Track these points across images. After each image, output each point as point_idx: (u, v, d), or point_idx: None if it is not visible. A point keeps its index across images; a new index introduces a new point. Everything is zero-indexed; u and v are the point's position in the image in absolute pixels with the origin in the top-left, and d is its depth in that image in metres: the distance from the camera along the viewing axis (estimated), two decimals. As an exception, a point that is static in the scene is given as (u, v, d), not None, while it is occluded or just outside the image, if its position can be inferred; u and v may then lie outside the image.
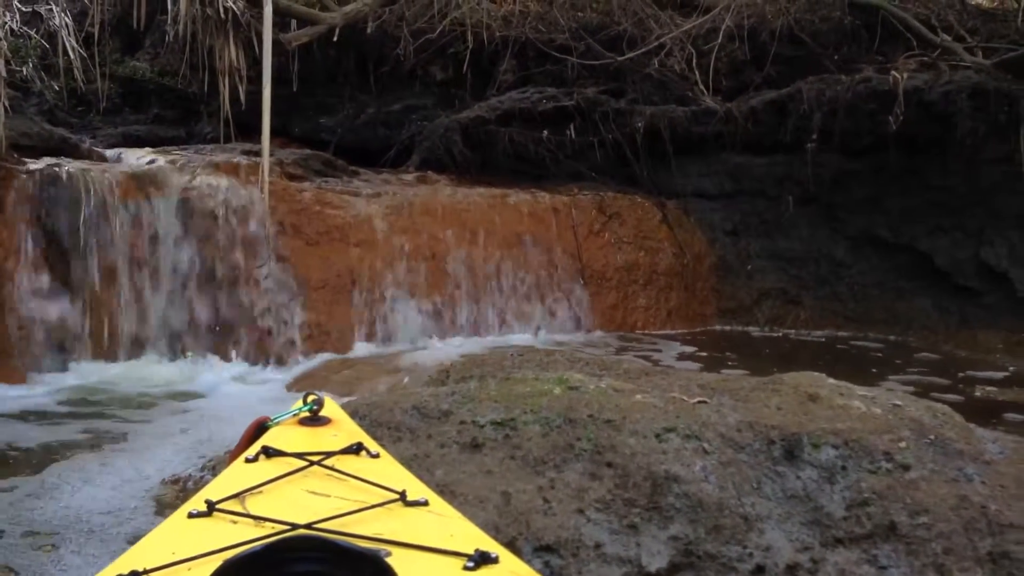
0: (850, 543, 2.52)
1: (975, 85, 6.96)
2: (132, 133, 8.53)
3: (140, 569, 1.28)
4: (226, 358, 5.68)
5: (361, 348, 6.10)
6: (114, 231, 5.56)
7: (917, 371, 6.01)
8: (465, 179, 7.77)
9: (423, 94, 8.59)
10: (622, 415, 2.81)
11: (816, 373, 3.25)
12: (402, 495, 1.62)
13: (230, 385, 5.32)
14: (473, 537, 1.50)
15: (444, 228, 6.72)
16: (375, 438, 2.08)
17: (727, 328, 7.68)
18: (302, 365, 5.78)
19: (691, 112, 7.73)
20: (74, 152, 6.42)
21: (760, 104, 7.64)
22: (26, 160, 5.68)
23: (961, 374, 5.90)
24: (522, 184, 7.74)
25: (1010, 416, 4.83)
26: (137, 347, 5.56)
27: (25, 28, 7.89)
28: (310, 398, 2.10)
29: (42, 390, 5.01)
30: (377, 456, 1.88)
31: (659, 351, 6.56)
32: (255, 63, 7.22)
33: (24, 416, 4.51)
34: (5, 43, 6.22)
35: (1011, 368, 6.13)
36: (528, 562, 1.65)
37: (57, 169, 5.57)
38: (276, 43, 6.87)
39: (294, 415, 2.07)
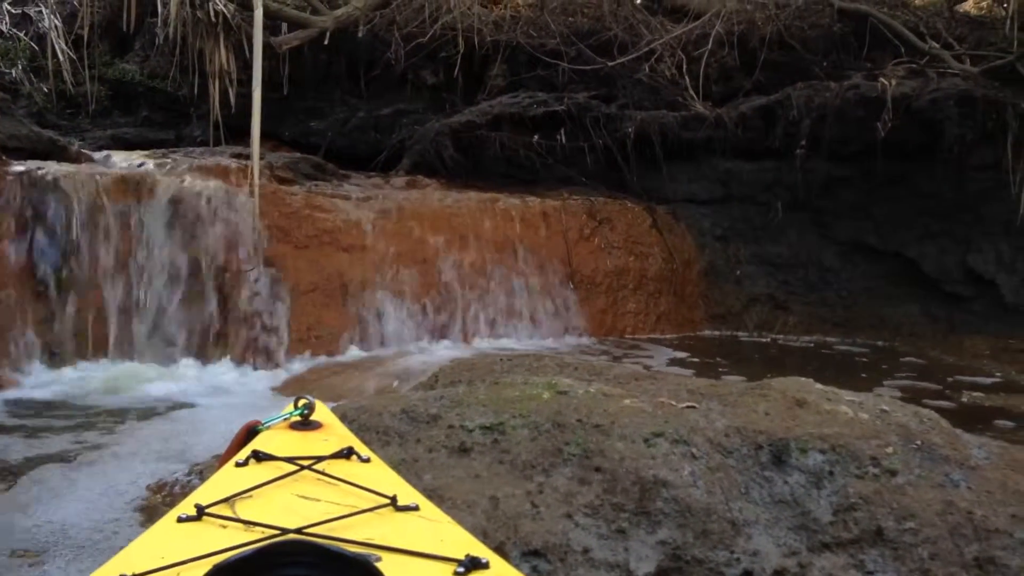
0: (837, 548, 2.53)
1: (963, 92, 7.01)
2: (121, 136, 8.51)
3: (129, 573, 1.28)
4: (215, 362, 5.67)
5: (351, 352, 6.10)
6: (102, 234, 5.55)
7: (904, 377, 6.04)
8: (455, 183, 7.78)
9: (414, 98, 8.60)
10: (611, 420, 2.82)
11: (804, 378, 3.26)
12: (393, 500, 1.63)
13: (219, 389, 5.30)
14: (464, 542, 1.50)
15: (434, 232, 6.72)
16: (364, 442, 2.08)
17: (716, 333, 7.71)
18: (291, 369, 5.77)
19: (681, 118, 7.76)
20: (63, 155, 6.40)
21: (750, 110, 7.67)
22: (14, 162, 5.66)
23: (948, 380, 5.93)
24: (512, 189, 7.75)
25: (996, 422, 4.86)
26: (125, 351, 5.54)
27: (14, 30, 7.88)
28: (301, 402, 2.10)
29: (27, 394, 4.98)
30: (368, 461, 1.88)
31: (648, 356, 6.57)
32: (245, 66, 7.22)
33: (8, 421, 4.48)
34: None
35: (998, 374, 6.16)
36: (516, 567, 1.66)
37: (45, 172, 5.55)
38: (267, 47, 6.87)
39: (285, 419, 2.06)
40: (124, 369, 5.42)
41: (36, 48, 8.13)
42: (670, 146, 7.85)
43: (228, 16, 7.47)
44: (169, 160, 6.46)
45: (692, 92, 7.79)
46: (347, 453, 1.88)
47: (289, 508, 1.60)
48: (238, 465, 1.82)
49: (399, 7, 8.23)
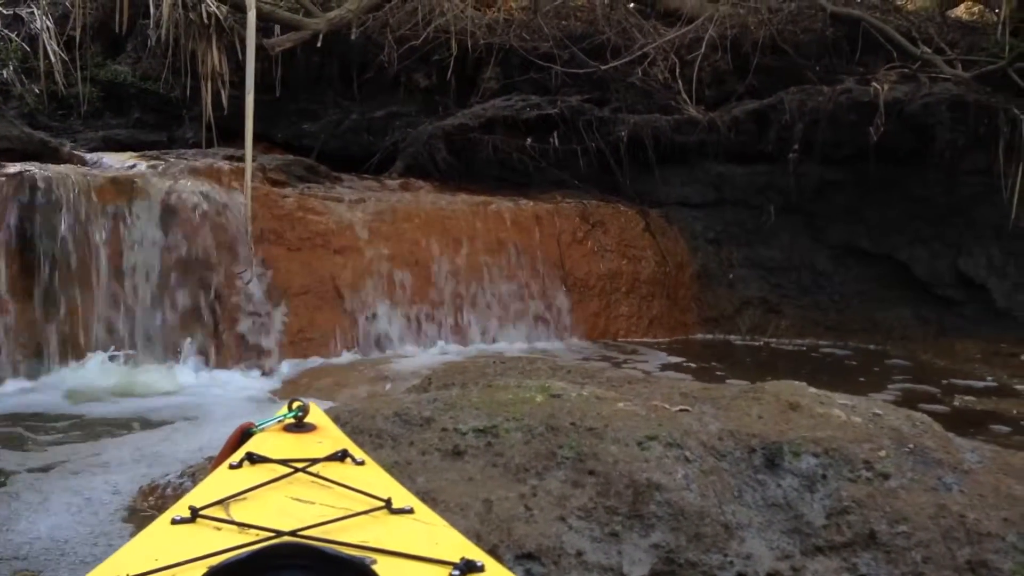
0: (830, 551, 2.54)
1: (954, 97, 7.04)
2: (113, 137, 8.47)
3: (123, 575, 1.28)
4: (207, 364, 5.66)
5: (344, 355, 6.10)
6: (94, 236, 5.53)
7: (897, 380, 6.05)
8: (448, 186, 7.78)
9: (407, 101, 8.59)
10: (604, 423, 2.82)
11: (797, 382, 3.27)
12: (387, 503, 1.62)
13: (212, 391, 5.29)
14: (459, 545, 1.50)
15: (427, 235, 6.72)
16: (357, 445, 2.08)
17: (709, 337, 7.72)
18: (284, 372, 5.76)
19: (674, 121, 7.76)
20: (54, 156, 6.38)
21: (742, 114, 7.69)
22: (5, 163, 5.64)
23: (940, 384, 5.95)
24: (505, 192, 7.75)
25: (988, 426, 4.88)
26: (117, 352, 5.52)
27: (6, 31, 7.86)
28: (295, 404, 2.09)
29: (18, 397, 4.96)
30: (362, 463, 1.88)
31: (641, 359, 6.58)
32: (238, 68, 7.20)
33: (-2, 423, 4.47)
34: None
35: (989, 377, 6.19)
36: (510, 570, 1.65)
37: (37, 173, 5.53)
38: (259, 48, 6.85)
39: (279, 421, 2.06)
40: (115, 372, 5.40)
41: (28, 49, 8.10)
42: (663, 150, 7.86)
43: (221, 18, 7.46)
44: (161, 162, 6.44)
45: (685, 96, 7.80)
46: (341, 456, 1.88)
47: (283, 510, 1.59)
48: (232, 467, 1.82)
49: (392, 10, 8.22)
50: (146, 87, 8.59)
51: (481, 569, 1.38)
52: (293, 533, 1.44)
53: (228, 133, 7.57)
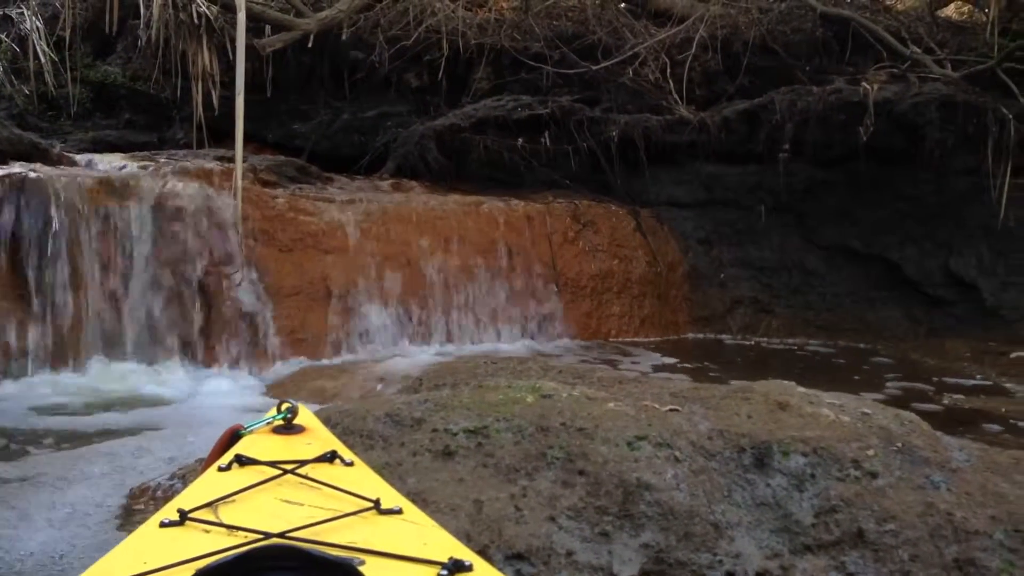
0: (818, 550, 2.55)
1: (944, 97, 7.08)
2: (103, 138, 8.45)
3: (111, 579, 1.28)
4: (198, 365, 5.65)
5: (335, 356, 6.09)
6: (84, 237, 5.52)
7: (886, 379, 6.07)
8: (440, 186, 7.78)
9: (398, 101, 8.59)
10: (594, 423, 2.83)
11: (786, 382, 3.28)
12: (376, 503, 1.63)
13: (202, 393, 5.27)
14: (447, 545, 1.50)
15: (418, 235, 6.72)
16: (348, 446, 2.08)
17: (700, 336, 7.74)
18: (275, 373, 5.75)
19: (665, 121, 7.78)
20: (44, 157, 6.35)
21: (733, 114, 7.71)
22: (-5, 165, 5.63)
23: (929, 382, 5.97)
24: (497, 192, 7.75)
25: (977, 424, 4.90)
26: (107, 355, 5.51)
27: (-5, 32, 7.83)
28: (284, 406, 2.10)
29: (8, 399, 4.94)
30: (351, 464, 1.89)
31: (632, 359, 6.59)
32: (229, 68, 7.19)
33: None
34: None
35: (978, 376, 6.21)
36: (500, 570, 1.66)
37: (27, 174, 5.52)
38: (250, 49, 6.85)
39: (268, 423, 2.06)
40: (106, 373, 5.39)
41: (17, 50, 8.07)
42: (654, 150, 7.87)
43: (211, 18, 7.44)
44: (152, 163, 6.42)
45: (676, 96, 7.82)
46: (330, 457, 1.88)
47: (272, 512, 1.59)
48: (221, 470, 1.82)
49: (383, 10, 8.22)
50: (136, 88, 8.57)
51: (469, 569, 1.38)
52: (282, 535, 1.44)
53: (219, 134, 7.56)
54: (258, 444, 1.96)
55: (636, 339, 7.39)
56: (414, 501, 1.96)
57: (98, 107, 8.79)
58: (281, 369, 5.80)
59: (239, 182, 5.93)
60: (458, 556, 1.41)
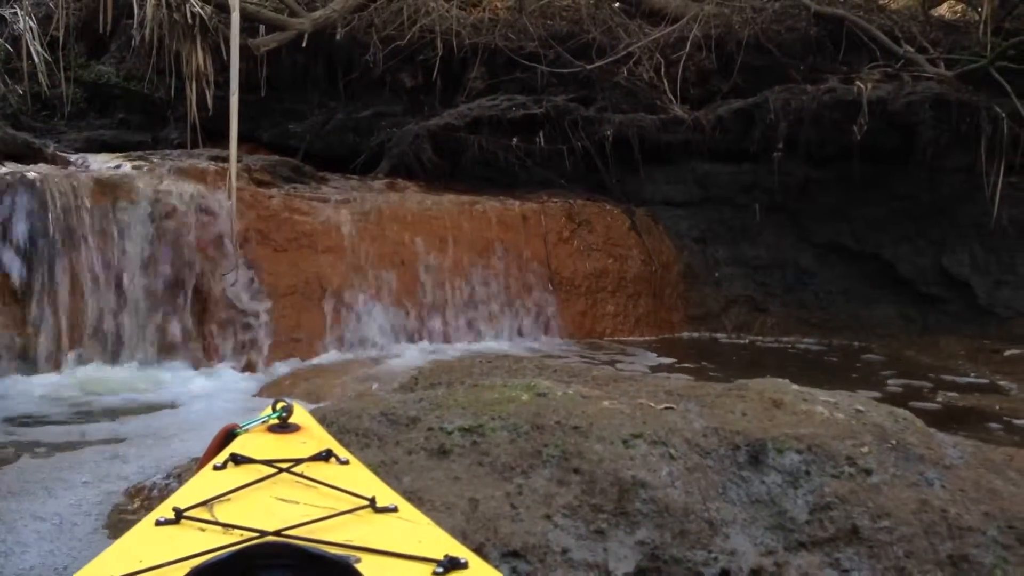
0: (813, 547, 2.56)
1: (937, 96, 7.09)
2: (97, 138, 8.44)
3: (107, 577, 1.28)
4: (194, 365, 5.64)
5: (330, 355, 6.09)
6: (79, 237, 5.51)
7: (881, 377, 6.09)
8: (434, 186, 7.78)
9: (392, 101, 8.59)
10: (589, 421, 2.83)
11: (781, 379, 3.29)
12: (371, 501, 1.63)
13: (197, 393, 5.26)
14: (443, 543, 1.50)
15: (413, 235, 6.72)
16: (343, 445, 2.08)
17: (695, 335, 7.75)
18: (270, 372, 5.75)
19: (659, 120, 7.79)
20: (38, 157, 6.34)
21: (727, 113, 7.72)
22: (-11, 165, 5.62)
23: (923, 380, 5.99)
24: (491, 191, 7.76)
25: (971, 422, 4.91)
26: (102, 355, 5.51)
27: (-11, 32, 7.81)
28: (279, 405, 2.10)
29: (4, 398, 4.93)
30: (347, 463, 1.89)
31: (627, 358, 6.60)
32: (223, 68, 7.18)
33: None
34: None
35: (972, 374, 6.23)
36: (496, 568, 1.66)
37: (21, 174, 5.51)
38: (244, 49, 6.85)
39: (263, 422, 2.06)
40: (101, 373, 5.38)
41: (11, 50, 8.06)
42: (648, 149, 7.89)
43: (205, 18, 7.44)
44: (146, 162, 6.42)
45: (670, 95, 7.83)
46: (326, 456, 1.88)
47: (268, 511, 1.60)
48: (216, 468, 1.82)
49: (377, 10, 8.22)
50: (130, 88, 8.56)
51: (465, 566, 1.38)
52: (277, 533, 1.44)
53: (213, 133, 7.55)
54: (253, 443, 1.96)
55: (631, 338, 7.40)
56: (410, 500, 1.96)
57: (92, 107, 8.78)
58: (276, 369, 5.80)
59: (234, 182, 5.92)
60: (454, 553, 1.41)
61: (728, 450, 2.77)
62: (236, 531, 1.48)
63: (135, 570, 1.31)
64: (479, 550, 2.33)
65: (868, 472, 2.68)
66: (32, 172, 5.62)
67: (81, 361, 5.43)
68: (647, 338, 7.45)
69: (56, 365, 5.35)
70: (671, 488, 2.62)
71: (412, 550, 1.44)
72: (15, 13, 7.87)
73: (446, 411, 2.94)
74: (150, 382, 5.38)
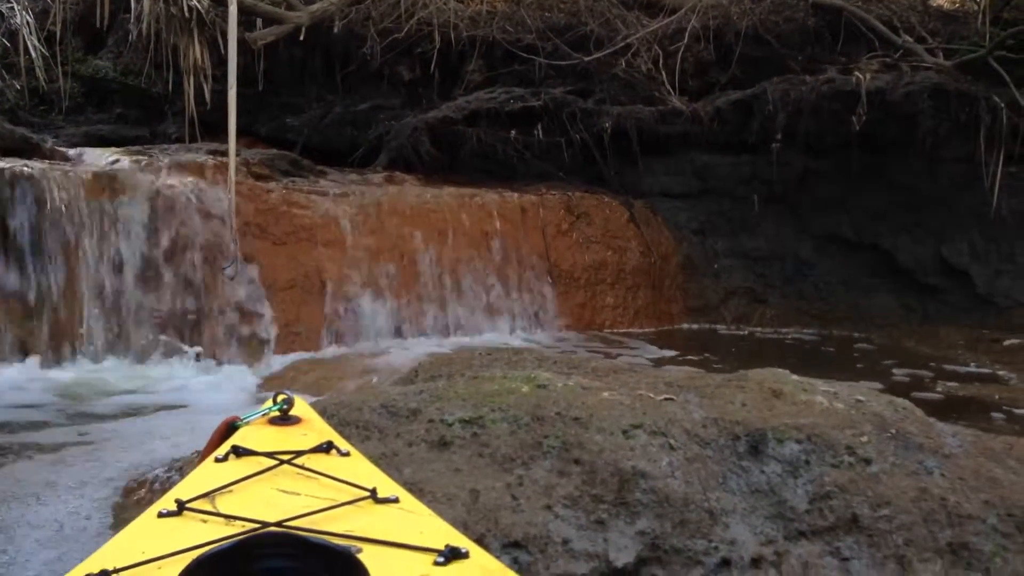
0: (813, 536, 2.56)
1: (936, 86, 7.09)
2: (95, 133, 8.43)
3: (110, 568, 1.28)
4: (193, 359, 5.64)
5: (330, 348, 6.09)
6: (78, 231, 5.51)
7: (880, 367, 6.10)
8: (433, 179, 7.77)
9: (390, 94, 8.58)
10: (589, 412, 2.83)
11: (780, 370, 3.29)
12: (372, 492, 1.63)
13: (197, 386, 5.28)
14: (443, 533, 1.51)
15: (412, 228, 6.72)
16: (344, 437, 2.09)
17: (694, 327, 7.75)
18: (271, 366, 5.76)
19: (658, 112, 7.79)
20: (36, 152, 6.34)
21: (726, 104, 7.72)
22: (-13, 160, 5.61)
23: (923, 370, 6.00)
24: (490, 184, 7.75)
25: (971, 411, 4.92)
26: (102, 349, 5.51)
27: (-14, 27, 7.80)
28: (280, 397, 2.10)
29: (2, 395, 4.94)
30: (347, 455, 1.89)
31: (627, 349, 6.60)
32: (220, 62, 7.17)
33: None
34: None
35: (972, 364, 6.24)
36: (497, 558, 1.66)
37: (20, 169, 5.51)
38: (241, 42, 6.83)
39: (264, 415, 2.06)
40: (102, 367, 5.39)
41: (8, 45, 8.05)
42: (647, 141, 7.88)
43: (202, 11, 7.43)
44: (145, 157, 6.41)
45: (668, 87, 7.83)
46: (326, 447, 1.88)
47: (269, 502, 1.60)
48: (218, 461, 1.82)
49: (374, 2, 8.21)
50: (128, 82, 8.54)
51: (466, 556, 1.39)
52: (279, 524, 1.44)
53: (211, 128, 7.54)
54: (254, 435, 1.96)
55: (630, 330, 7.40)
56: (411, 491, 1.96)
57: (90, 102, 8.77)
58: (276, 362, 5.80)
59: (232, 176, 5.92)
60: (454, 543, 1.42)
61: (728, 440, 2.77)
62: (238, 522, 1.49)
63: (138, 561, 1.31)
64: (480, 541, 2.34)
65: (868, 461, 2.69)
66: (30, 167, 5.61)
67: (80, 357, 5.43)
68: (646, 330, 7.46)
69: (55, 360, 5.35)
70: (671, 478, 2.63)
71: (413, 540, 1.44)
72: (12, 8, 7.85)
73: (446, 403, 2.95)
74: (149, 377, 5.38)
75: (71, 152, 6.76)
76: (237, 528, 1.46)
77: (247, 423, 2.04)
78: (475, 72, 8.36)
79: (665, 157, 8.12)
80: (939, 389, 5.50)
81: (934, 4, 8.84)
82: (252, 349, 5.82)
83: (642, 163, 8.02)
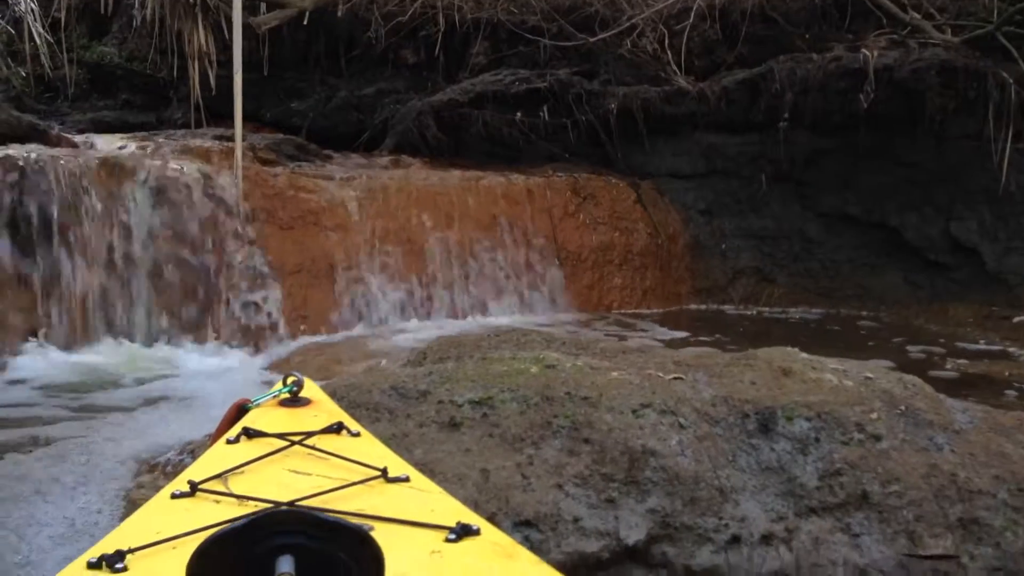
0: (823, 512, 2.57)
1: (944, 62, 7.03)
2: (101, 119, 8.45)
3: (125, 548, 1.29)
4: (202, 344, 5.66)
5: (338, 332, 6.10)
6: (86, 217, 5.52)
7: (889, 346, 6.09)
8: (439, 162, 7.77)
9: (395, 77, 8.56)
10: (599, 392, 2.84)
11: (789, 348, 3.29)
12: (383, 472, 1.64)
13: (207, 371, 5.29)
14: (454, 510, 1.52)
15: (419, 211, 6.71)
16: (354, 419, 2.09)
17: (702, 307, 7.74)
18: (280, 350, 5.77)
19: (664, 92, 7.75)
20: (43, 139, 6.35)
21: (732, 84, 7.67)
22: (-6, 147, 5.63)
23: (933, 348, 5.99)
24: (496, 166, 7.74)
25: (981, 388, 4.91)
26: (112, 334, 5.53)
27: (-10, 14, 7.80)
28: (290, 379, 2.11)
29: (12, 380, 4.96)
30: (358, 435, 1.90)
31: (635, 330, 6.60)
32: (225, 47, 7.17)
33: (-4, 405, 4.47)
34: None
35: (981, 341, 6.22)
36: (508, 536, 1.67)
37: (28, 156, 5.51)
38: (245, 27, 6.81)
39: (274, 397, 2.07)
40: (110, 353, 5.40)
41: (13, 32, 8.05)
42: (653, 121, 7.85)
43: (206, -4, 7.42)
44: (151, 143, 6.42)
45: (674, 67, 7.78)
46: (337, 428, 1.89)
47: (281, 482, 1.61)
48: (229, 442, 1.84)
49: (378, -15, 8.18)
50: (133, 68, 8.55)
51: (477, 532, 1.40)
52: (291, 504, 1.45)
53: (216, 113, 7.55)
54: (265, 417, 1.97)
55: (638, 311, 7.40)
56: (421, 471, 1.97)
57: (95, 88, 8.78)
58: (285, 346, 5.81)
59: (239, 161, 5.93)
60: (465, 520, 1.42)
61: (737, 418, 2.78)
62: (250, 502, 1.50)
63: (152, 541, 1.32)
64: (491, 519, 2.35)
65: (877, 438, 2.69)
66: (38, 154, 5.62)
67: (90, 342, 5.45)
68: (654, 311, 7.45)
69: (64, 346, 5.36)
70: (681, 457, 2.63)
71: (425, 518, 1.45)
72: (16, -5, 7.86)
73: (456, 384, 2.95)
74: (158, 362, 5.40)
75: (78, 139, 6.77)
76: (250, 508, 1.47)
77: (258, 405, 2.05)
78: (480, 55, 8.33)
79: (671, 137, 8.08)
80: (949, 366, 5.49)
81: (941, -20, 8.76)
82: (260, 333, 5.84)
83: (648, 144, 7.99)
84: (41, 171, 5.44)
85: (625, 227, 7.61)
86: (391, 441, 2.58)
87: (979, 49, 7.09)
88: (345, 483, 1.58)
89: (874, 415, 2.75)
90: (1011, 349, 5.98)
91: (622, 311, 7.35)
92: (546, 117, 7.92)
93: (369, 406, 2.91)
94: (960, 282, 7.44)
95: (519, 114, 7.92)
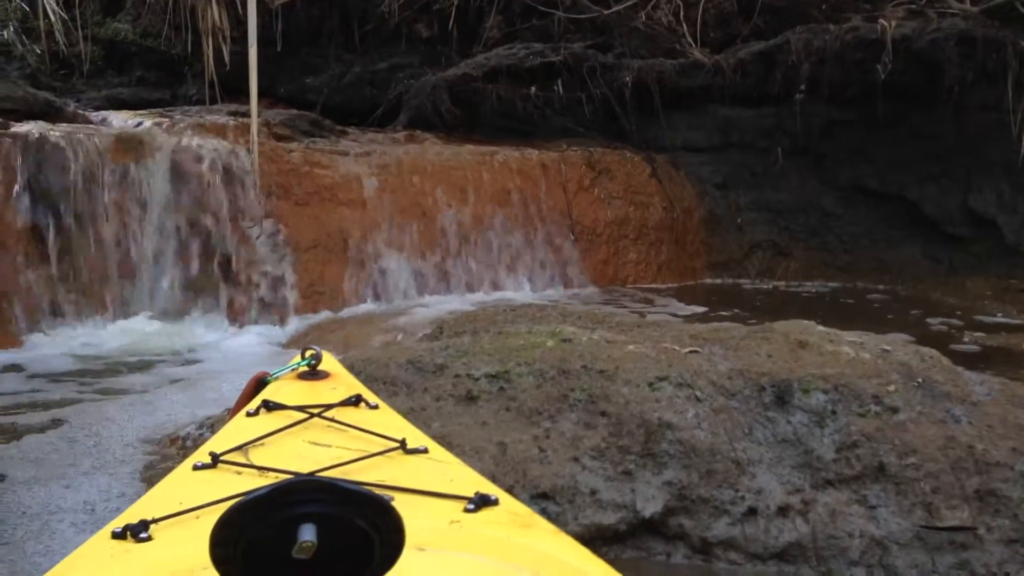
0: (840, 484, 2.58)
1: (962, 32, 6.95)
2: (116, 96, 8.47)
3: (149, 518, 1.31)
4: (219, 320, 5.70)
5: (354, 307, 6.13)
6: (103, 194, 5.55)
7: (907, 319, 6.06)
8: (453, 137, 7.75)
9: (409, 52, 8.53)
10: (615, 365, 2.85)
11: (805, 321, 3.28)
12: (402, 443, 1.65)
13: (225, 346, 5.33)
14: (473, 481, 1.53)
15: (434, 186, 6.71)
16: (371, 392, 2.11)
17: (718, 281, 7.73)
18: (296, 325, 5.80)
19: (679, 65, 7.69)
20: (59, 115, 6.38)
21: (748, 56, 7.61)
22: (12, 123, 5.64)
23: (950, 321, 5.96)
24: (511, 141, 7.72)
25: (999, 361, 4.89)
26: (128, 310, 5.57)
27: (5, -9, 7.80)
28: (308, 353, 2.12)
29: (35, 354, 5.01)
30: (376, 407, 1.91)
31: (651, 304, 6.60)
32: (239, 23, 7.16)
33: (11, 383, 4.50)
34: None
35: (999, 314, 6.19)
36: (526, 507, 1.68)
37: (45, 132, 5.54)
38: (259, 2, 6.80)
39: (293, 370, 2.09)
40: (128, 328, 5.45)
41: (27, 9, 8.06)
42: (668, 94, 7.80)
43: (219, -28, 7.40)
44: (167, 119, 6.44)
45: (689, 39, 7.73)
46: (355, 400, 1.91)
47: (301, 454, 1.62)
48: (249, 415, 1.85)
49: (392, -41, 8.13)
50: (147, 44, 8.55)
51: (495, 503, 1.41)
52: (311, 474, 1.47)
53: (231, 89, 7.54)
54: (284, 390, 1.99)
55: (653, 285, 7.39)
56: (439, 444, 1.98)
57: (110, 65, 8.79)
58: (301, 322, 5.84)
59: (255, 136, 5.93)
60: (484, 491, 1.44)
61: (754, 391, 2.78)
62: (271, 473, 1.51)
63: (176, 511, 1.34)
64: (509, 492, 2.36)
65: (894, 410, 2.69)
66: (55, 130, 5.64)
67: (108, 318, 5.49)
68: (669, 285, 7.45)
69: (83, 322, 5.41)
70: (697, 429, 2.64)
71: (443, 488, 1.46)
72: (30, -28, 7.86)
73: (472, 358, 2.97)
74: (176, 337, 5.44)
75: (94, 115, 6.78)
76: (271, 479, 1.48)
77: (277, 378, 2.06)
78: (494, 28, 8.29)
79: (687, 111, 8.04)
80: (967, 339, 5.46)
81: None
82: (277, 309, 5.86)
83: (663, 117, 7.95)
84: (60, 147, 5.46)
85: (640, 201, 7.59)
86: (408, 415, 2.59)
87: (998, 19, 7.00)
88: (365, 454, 1.59)
89: (891, 387, 2.75)
90: (1030, 322, 5.95)
91: (637, 285, 7.34)
92: (560, 91, 7.88)
93: (386, 380, 2.93)
94: (978, 255, 7.40)
95: (533, 88, 7.89)
